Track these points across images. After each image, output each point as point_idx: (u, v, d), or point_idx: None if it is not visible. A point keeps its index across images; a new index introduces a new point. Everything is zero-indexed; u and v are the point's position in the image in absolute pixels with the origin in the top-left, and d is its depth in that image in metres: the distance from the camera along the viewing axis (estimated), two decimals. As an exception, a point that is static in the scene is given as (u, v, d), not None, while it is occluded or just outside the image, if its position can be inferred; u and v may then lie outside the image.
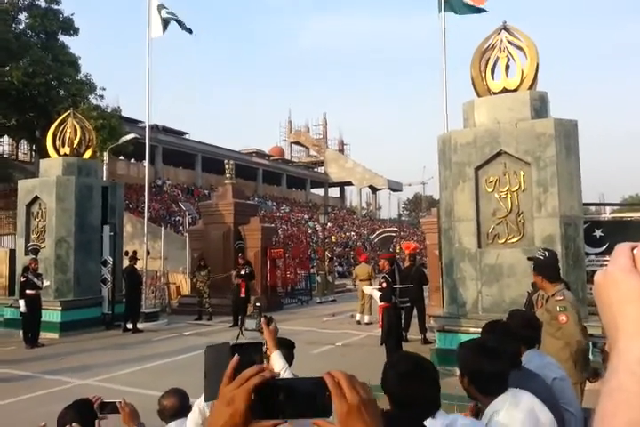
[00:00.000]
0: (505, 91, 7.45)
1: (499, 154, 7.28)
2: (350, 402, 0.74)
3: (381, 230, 8.68)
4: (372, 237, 9.65)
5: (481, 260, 7.29)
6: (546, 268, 4.17)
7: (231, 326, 12.41)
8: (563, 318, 3.73)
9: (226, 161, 17.05)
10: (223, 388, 0.77)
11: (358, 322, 12.45)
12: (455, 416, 1.92)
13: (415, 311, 10.14)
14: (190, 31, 14.85)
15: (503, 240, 7.21)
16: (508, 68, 7.47)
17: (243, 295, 12.77)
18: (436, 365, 7.58)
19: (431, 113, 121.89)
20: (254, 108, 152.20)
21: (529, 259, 5.22)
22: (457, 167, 7.52)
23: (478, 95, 7.65)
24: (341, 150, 66.45)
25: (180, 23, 14.54)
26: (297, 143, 66.97)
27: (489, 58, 7.49)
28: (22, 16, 21.79)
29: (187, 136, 45.59)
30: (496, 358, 2.00)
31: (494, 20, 7.77)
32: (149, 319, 12.97)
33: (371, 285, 12.09)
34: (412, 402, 1.77)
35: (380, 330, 7.18)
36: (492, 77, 7.55)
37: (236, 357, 0.83)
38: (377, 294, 7.12)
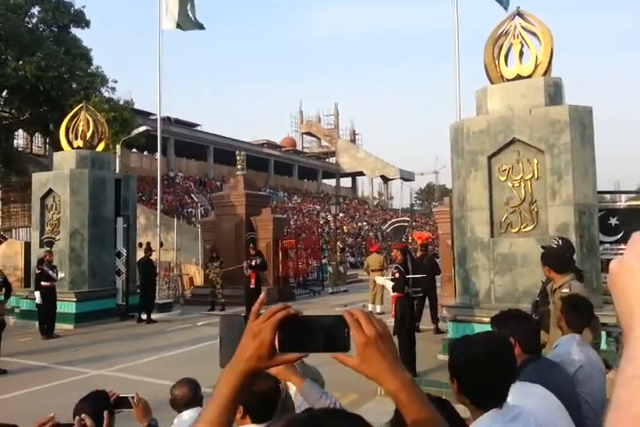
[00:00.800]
0: (519, 77, 7.32)
1: (512, 142, 7.17)
2: (368, 335, 0.81)
3: (393, 220, 8.63)
4: (384, 227, 9.60)
5: (494, 249, 7.22)
6: (552, 258, 4.12)
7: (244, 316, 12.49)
8: None
9: (237, 152, 17.07)
10: (250, 323, 0.83)
11: (370, 312, 12.46)
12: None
13: (427, 301, 10.12)
14: (202, 27, 14.77)
15: (516, 229, 7.13)
16: (521, 54, 7.33)
17: (253, 286, 12.83)
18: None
19: (444, 101, 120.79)
20: (265, 99, 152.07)
21: (543, 248, 5.16)
22: (470, 156, 7.42)
23: (491, 82, 7.53)
24: (353, 140, 66.16)
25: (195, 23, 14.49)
26: (308, 134, 66.79)
27: (502, 44, 7.35)
28: (35, 10, 21.85)
29: (198, 128, 45.67)
30: (492, 370, 1.63)
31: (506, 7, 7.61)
32: (163, 310, 13.10)
33: (382, 275, 12.08)
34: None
35: (393, 320, 7.17)
36: (506, 64, 7.41)
37: (262, 294, 0.92)
38: (389, 285, 7.10)
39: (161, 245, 14.72)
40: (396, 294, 7.02)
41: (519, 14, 7.36)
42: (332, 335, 0.81)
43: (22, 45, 19.86)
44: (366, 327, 0.81)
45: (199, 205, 24.17)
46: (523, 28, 7.26)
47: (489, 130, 7.29)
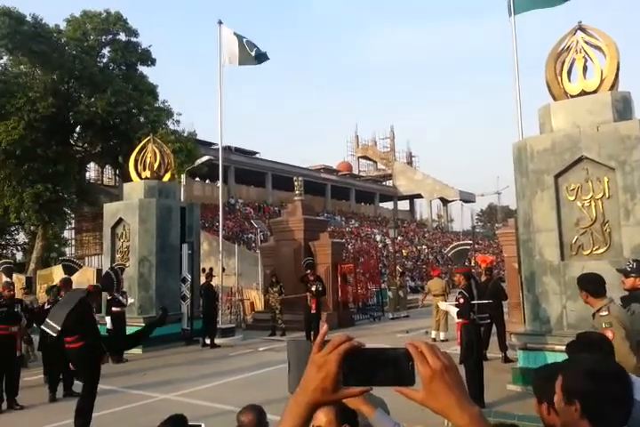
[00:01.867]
0: (583, 93, 7.07)
1: (580, 160, 6.89)
2: (434, 367, 0.79)
3: (455, 244, 8.42)
4: (445, 251, 9.37)
5: (564, 273, 6.88)
6: (588, 283, 4.03)
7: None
8: (609, 334, 3.49)
9: (295, 178, 17.33)
10: (314, 355, 0.82)
11: (434, 339, 12.07)
12: None
13: (494, 328, 9.71)
14: (262, 59, 15.20)
15: (588, 251, 6.78)
16: (585, 69, 7.10)
17: (314, 311, 12.79)
18: (519, 385, 7.15)
19: (504, 120, 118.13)
20: (322, 124, 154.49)
21: (618, 271, 4.90)
22: (535, 175, 7.18)
23: (554, 99, 7.31)
24: (410, 163, 65.74)
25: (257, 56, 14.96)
26: (364, 157, 67.03)
27: (564, 60, 7.16)
28: (105, 51, 23.53)
29: (257, 155, 46.91)
30: (622, 388, 1.46)
31: (566, 21, 7.44)
32: (226, 335, 13.27)
33: (445, 300, 11.74)
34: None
35: (459, 348, 6.91)
36: (569, 80, 7.19)
37: (325, 326, 0.90)
38: (454, 311, 6.88)
39: (223, 270, 15.03)
40: (461, 320, 6.78)
41: (581, 29, 7.16)
42: (396, 369, 0.79)
43: (94, 84, 21.33)
44: (431, 360, 0.80)
45: (259, 230, 24.61)
46: (586, 42, 7.05)
47: (554, 148, 7.04)
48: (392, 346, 0.84)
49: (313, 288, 12.95)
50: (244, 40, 14.84)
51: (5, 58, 21.45)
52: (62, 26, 22.55)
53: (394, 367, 0.79)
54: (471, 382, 6.55)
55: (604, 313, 3.79)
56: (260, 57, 15.12)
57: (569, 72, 7.19)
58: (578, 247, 6.87)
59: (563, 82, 7.19)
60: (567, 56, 7.16)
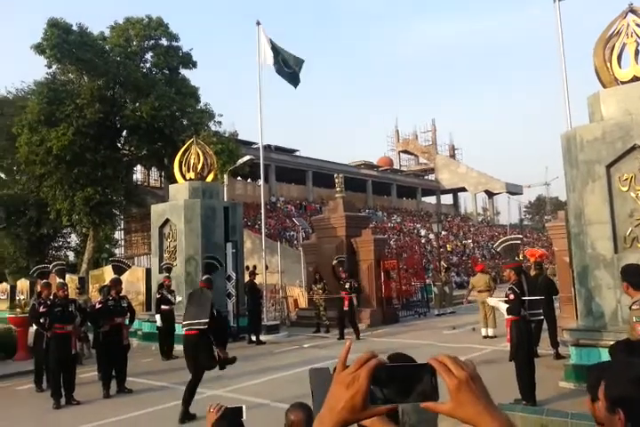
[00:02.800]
0: (635, 79, 6.74)
1: (633, 148, 6.57)
2: (459, 377, 0.79)
3: (505, 238, 8.19)
4: (494, 246, 9.13)
5: (618, 266, 6.57)
6: (630, 274, 3.88)
7: (338, 339, 12.48)
8: (638, 328, 3.31)
9: (335, 175, 17.31)
10: (338, 373, 0.82)
11: (484, 336, 11.82)
12: None
13: (545, 324, 9.41)
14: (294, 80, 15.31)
15: (644, 244, 6.47)
16: (637, 53, 6.76)
17: (346, 308, 12.76)
18: (572, 382, 6.89)
19: (551, 109, 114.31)
20: (361, 120, 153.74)
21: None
22: (585, 166, 6.90)
23: (604, 86, 7.00)
24: (452, 156, 64.52)
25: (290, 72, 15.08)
26: (405, 152, 66.27)
27: (614, 45, 6.83)
28: (148, 55, 24.15)
29: (297, 153, 47.15)
30: None
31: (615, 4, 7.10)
32: (271, 332, 13.43)
33: (490, 296, 11.48)
34: None
35: (509, 345, 6.73)
36: (620, 66, 6.87)
37: (349, 342, 0.89)
38: (503, 307, 6.70)
39: (266, 268, 15.20)
40: (511, 316, 6.60)
41: (632, 11, 6.82)
42: (420, 385, 0.80)
43: (138, 89, 21.93)
44: (455, 370, 0.80)
45: (300, 228, 24.75)
46: (637, 25, 6.71)
47: (605, 137, 6.75)
48: (427, 358, 0.84)
49: (347, 285, 12.94)
50: (280, 56, 14.93)
51: (54, 67, 22.32)
52: (106, 33, 23.30)
53: (419, 383, 0.80)
54: (522, 380, 6.38)
55: (636, 307, 3.68)
56: (294, 78, 15.22)
57: (619, 58, 6.86)
58: (632, 240, 6.58)
59: (613, 68, 6.87)
60: (617, 41, 6.83)
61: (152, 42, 23.73)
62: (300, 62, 15.48)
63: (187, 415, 6.53)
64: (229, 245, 13.49)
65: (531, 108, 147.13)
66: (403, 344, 10.98)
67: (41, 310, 8.32)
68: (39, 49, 20.69)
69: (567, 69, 10.03)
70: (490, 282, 12.72)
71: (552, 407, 5.94)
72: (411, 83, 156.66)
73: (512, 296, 6.53)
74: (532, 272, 10.21)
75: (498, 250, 7.81)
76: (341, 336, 12.57)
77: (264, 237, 15.71)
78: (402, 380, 0.80)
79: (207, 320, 6.68)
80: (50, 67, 22.13)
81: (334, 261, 14.01)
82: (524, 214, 70.45)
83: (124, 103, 22.50)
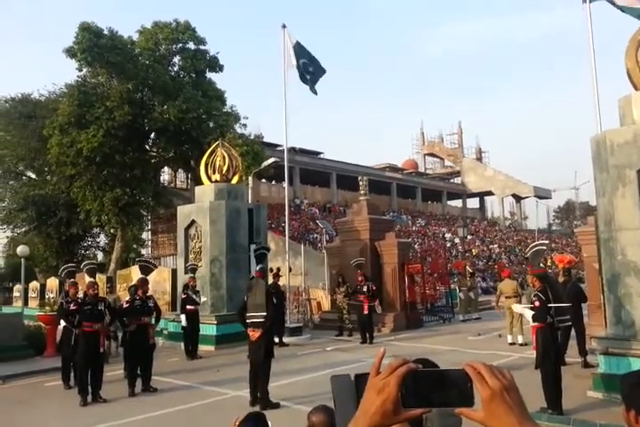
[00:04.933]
0: (669, 81, 6.57)
1: (666, 153, 6.40)
2: (492, 387, 0.79)
3: (534, 243, 8.06)
4: (526, 251, 8.97)
5: (651, 274, 6.42)
6: None
7: (361, 343, 12.43)
8: None
9: (360, 177, 17.28)
10: (372, 379, 0.84)
11: (511, 343, 11.59)
12: None
13: (573, 332, 9.21)
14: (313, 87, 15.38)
15: (677, 251, 6.29)
16: (671, 55, 6.59)
17: (366, 312, 12.70)
18: (601, 392, 6.75)
19: (580, 111, 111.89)
20: (386, 122, 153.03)
21: None
22: (615, 170, 6.75)
23: (636, 89, 6.84)
24: (479, 159, 63.79)
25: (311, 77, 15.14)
26: (431, 155, 65.81)
27: (647, 46, 6.68)
28: (176, 59, 24.55)
29: (321, 156, 47.24)
30: None
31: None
32: (294, 334, 13.46)
33: (519, 302, 11.28)
34: None
35: (535, 352, 6.61)
36: (653, 67, 6.70)
37: (383, 349, 0.90)
38: (529, 314, 6.58)
39: (290, 270, 15.24)
40: (536, 324, 6.48)
41: (665, 12, 6.65)
42: (455, 390, 0.80)
43: (166, 92, 22.31)
44: (490, 380, 0.80)
45: (324, 230, 24.77)
46: (671, 26, 6.54)
47: (636, 141, 6.59)
48: (451, 365, 0.85)
49: (364, 289, 12.88)
50: (302, 61, 14.99)
51: (85, 70, 22.84)
52: (135, 37, 23.75)
53: (453, 388, 0.80)
54: (548, 388, 6.26)
55: None
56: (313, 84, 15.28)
57: (652, 59, 6.70)
58: (665, 247, 6.39)
59: (645, 69, 6.71)
60: (650, 41, 6.67)
61: (180, 45, 24.10)
62: (320, 71, 15.49)
63: (268, 404, 6.89)
64: (253, 246, 13.57)
65: (560, 110, 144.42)
66: (426, 349, 10.87)
67: (71, 307, 8.51)
68: (70, 53, 21.19)
69: (597, 71, 9.83)
70: (517, 288, 12.50)
71: (579, 417, 5.82)
72: (437, 84, 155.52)
73: (537, 303, 6.41)
74: (561, 279, 10.01)
75: (528, 255, 7.68)
76: (364, 340, 12.53)
77: (287, 239, 15.77)
78: (437, 384, 0.81)
79: (265, 313, 7.17)
80: (80, 70, 22.64)
81: (353, 264, 13.97)
82: (553, 219, 69.12)
83: (153, 106, 22.90)
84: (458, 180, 62.31)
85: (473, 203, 63.46)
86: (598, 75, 9.88)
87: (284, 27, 15.26)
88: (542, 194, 59.94)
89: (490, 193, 60.89)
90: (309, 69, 15.17)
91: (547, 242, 10.95)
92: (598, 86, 9.74)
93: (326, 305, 17.37)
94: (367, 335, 12.57)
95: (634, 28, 6.88)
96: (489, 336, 12.95)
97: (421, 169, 62.79)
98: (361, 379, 0.90)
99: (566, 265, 10.28)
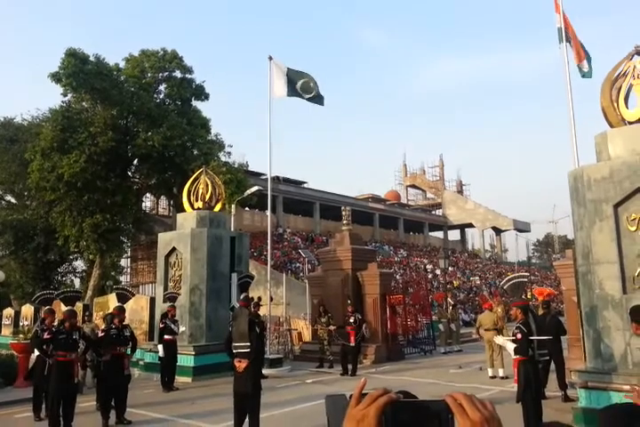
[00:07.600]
0: (642, 120, 6.82)
1: (640, 189, 6.59)
2: (473, 419, 0.78)
3: (511, 276, 8.14)
4: (501, 284, 9.05)
5: (627, 307, 6.47)
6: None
7: (341, 375, 12.25)
8: None
9: (343, 208, 17.38)
10: (351, 409, 0.82)
11: (492, 377, 11.52)
12: None
13: (553, 365, 9.21)
14: (319, 100, 15.56)
15: (653, 285, 6.39)
16: (643, 95, 6.87)
17: (352, 344, 12.56)
18: (581, 426, 6.71)
19: (558, 147, 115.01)
20: (369, 154, 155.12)
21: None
22: (592, 205, 6.91)
23: (611, 126, 7.08)
24: (460, 191, 64.75)
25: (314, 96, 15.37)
26: (413, 186, 66.61)
27: (621, 86, 6.96)
28: (162, 87, 24.80)
29: (305, 185, 47.49)
30: None
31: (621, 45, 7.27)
32: (274, 365, 13.19)
33: (498, 334, 11.27)
34: None
35: (516, 385, 6.58)
36: (627, 106, 6.97)
37: (364, 379, 0.89)
38: (511, 347, 6.58)
39: (271, 299, 15.07)
40: (518, 357, 6.48)
41: (638, 53, 6.97)
42: (435, 421, 0.79)
43: (151, 119, 22.43)
44: (470, 411, 0.79)
45: (306, 260, 24.68)
46: (643, 68, 6.84)
47: (612, 176, 6.78)
48: (432, 398, 0.83)
49: (351, 320, 12.78)
50: (302, 81, 15.21)
51: (70, 95, 22.90)
52: (122, 64, 24.00)
53: (433, 420, 0.79)
54: (529, 422, 6.21)
55: None
56: (320, 99, 15.49)
57: (626, 98, 6.98)
58: (642, 280, 6.49)
59: (620, 108, 6.98)
60: (624, 82, 6.96)
61: (166, 74, 24.40)
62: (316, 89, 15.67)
63: None
64: (235, 275, 13.44)
65: (539, 145, 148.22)
66: (407, 382, 10.75)
67: (45, 336, 8.24)
68: (56, 78, 21.27)
69: (574, 108, 10.19)
70: (497, 320, 12.50)
71: (561, 453, 5.75)
72: (420, 117, 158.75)
73: (519, 336, 6.43)
74: (540, 311, 10.07)
75: (505, 288, 7.74)
76: (344, 372, 12.34)
77: (269, 268, 15.65)
78: (416, 416, 0.80)
79: (250, 344, 7.02)
80: (65, 95, 22.73)
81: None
82: (533, 252, 69.89)
83: (137, 132, 22.96)
84: (439, 212, 63.00)
85: (454, 235, 64.06)
86: (575, 113, 10.25)
87: (270, 59, 15.57)
88: (522, 227, 60.84)
89: (470, 225, 61.59)
90: (311, 85, 15.33)
91: (527, 274, 11.04)
92: (575, 123, 10.07)
93: (307, 336, 17.14)
94: (349, 367, 12.39)
95: (609, 67, 7.19)
96: (470, 369, 12.86)
97: (404, 200, 63.42)
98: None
99: (546, 298, 10.38)
